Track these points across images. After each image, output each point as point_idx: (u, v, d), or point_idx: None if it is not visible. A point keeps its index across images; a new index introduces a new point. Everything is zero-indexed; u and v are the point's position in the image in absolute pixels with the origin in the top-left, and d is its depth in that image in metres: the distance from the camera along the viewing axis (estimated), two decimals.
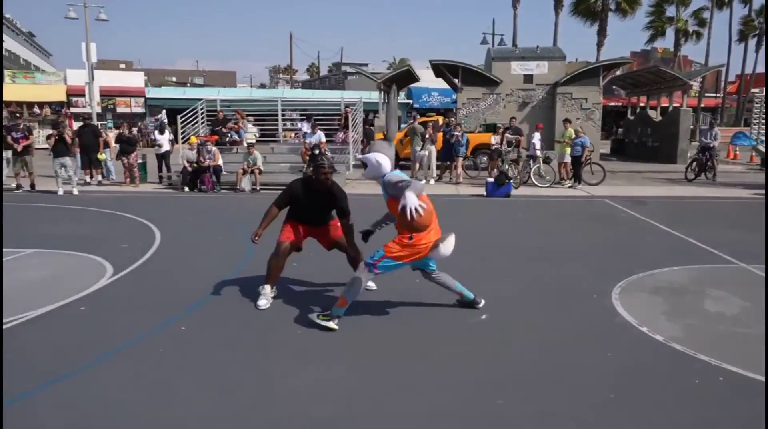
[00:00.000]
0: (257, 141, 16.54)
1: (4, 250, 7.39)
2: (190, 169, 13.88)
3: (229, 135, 15.85)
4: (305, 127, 16.28)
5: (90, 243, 7.80)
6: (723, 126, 37.40)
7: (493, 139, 15.15)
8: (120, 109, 32.79)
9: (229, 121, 16.64)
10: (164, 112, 34.65)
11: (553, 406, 3.41)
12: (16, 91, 30.99)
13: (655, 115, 26.05)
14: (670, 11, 38.57)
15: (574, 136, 14.22)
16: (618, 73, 27.34)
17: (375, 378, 3.80)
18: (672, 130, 23.07)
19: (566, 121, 15.30)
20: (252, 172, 13.78)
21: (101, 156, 15.24)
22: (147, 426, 3.19)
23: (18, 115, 25.55)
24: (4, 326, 4.64)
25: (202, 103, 16.74)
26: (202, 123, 16.55)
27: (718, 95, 45.93)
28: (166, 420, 3.25)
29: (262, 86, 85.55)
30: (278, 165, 15.10)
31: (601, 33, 33.99)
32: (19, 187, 13.85)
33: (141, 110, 33.43)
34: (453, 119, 16.94)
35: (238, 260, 6.94)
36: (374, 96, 32.09)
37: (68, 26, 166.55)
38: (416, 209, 4.36)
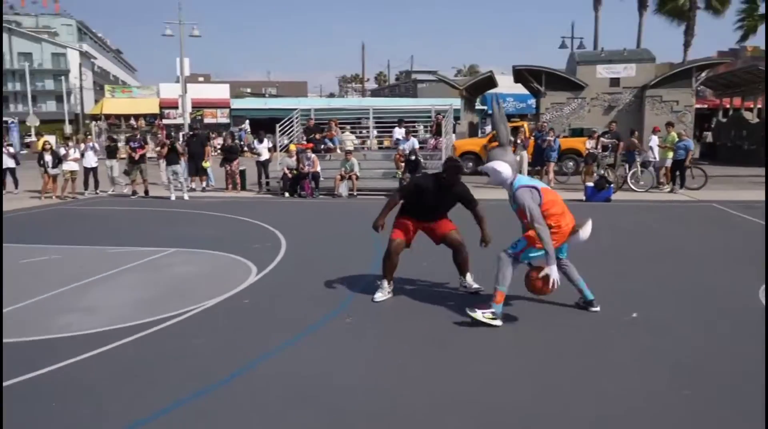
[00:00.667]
0: (339, 148, 17.09)
1: (147, 248, 8.10)
2: (290, 175, 14.52)
3: (323, 142, 16.42)
4: (398, 133, 16.66)
5: (222, 243, 8.38)
6: None
7: (588, 144, 14.98)
8: (207, 120, 34.54)
9: (322, 129, 17.25)
10: (247, 121, 36.28)
11: (743, 400, 3.48)
12: (115, 104, 33.33)
13: (751, 117, 24.90)
14: (763, 8, 36.61)
15: (677, 139, 13.88)
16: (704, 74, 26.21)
17: (545, 373, 3.97)
18: None
19: (669, 124, 14.94)
20: (349, 177, 14.24)
21: (206, 164, 16.17)
22: (352, 409, 3.50)
23: (135, 127, 27.34)
24: (188, 314, 5.13)
25: (297, 113, 17.41)
26: (298, 131, 17.22)
27: None
28: (370, 403, 3.55)
29: (332, 95, 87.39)
30: (372, 171, 15.51)
31: (689, 32, 32.78)
32: (134, 193, 14.90)
33: (226, 120, 35.08)
34: (545, 124, 16.86)
35: (367, 259, 7.26)
36: (450, 103, 32.30)
37: (149, 42, 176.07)
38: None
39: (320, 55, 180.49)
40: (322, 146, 16.39)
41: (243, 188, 16.13)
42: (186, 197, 14.25)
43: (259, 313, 5.21)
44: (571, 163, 19.43)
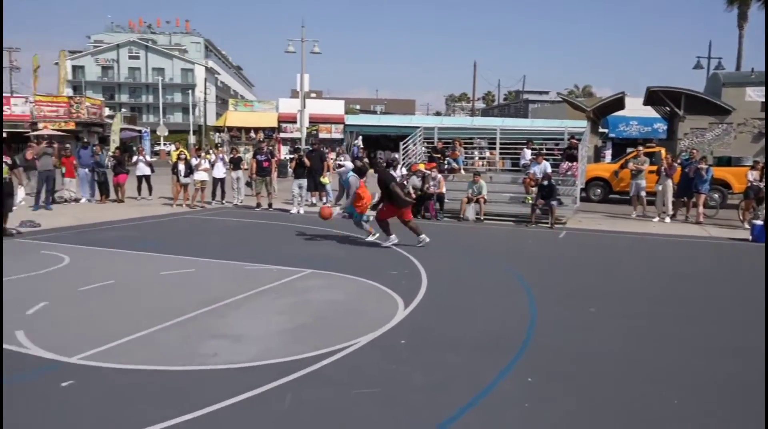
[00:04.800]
0: (464, 169, 16.34)
1: (281, 267, 7.75)
2: (414, 195, 13.95)
3: (447, 163, 15.79)
4: (527, 155, 15.70)
5: (356, 266, 7.88)
6: None
7: (750, 176, 13.23)
8: (322, 135, 35.11)
9: (446, 149, 16.62)
10: (360, 137, 36.56)
11: None
12: (238, 117, 34.81)
13: None
14: None
15: None
16: None
17: None
18: None
19: None
20: (477, 200, 13.45)
21: (324, 179, 16.01)
22: None
23: (261, 140, 28.31)
24: (341, 353, 4.57)
25: (420, 131, 16.92)
26: (420, 150, 16.72)
27: None
28: None
29: (438, 114, 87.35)
30: (499, 195, 14.62)
31: None
32: (258, 205, 15.00)
33: (340, 136, 35.52)
34: (695, 151, 15.19)
35: (519, 292, 6.48)
36: (565, 125, 30.83)
37: (266, 60, 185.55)
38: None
39: (427, 74, 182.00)
40: (446, 166, 15.74)
41: None
42: (302, 211, 14.17)
43: (421, 359, 4.55)
44: (716, 196, 17.43)
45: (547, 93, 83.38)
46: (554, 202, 12.58)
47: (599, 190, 19.77)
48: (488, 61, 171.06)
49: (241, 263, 8.03)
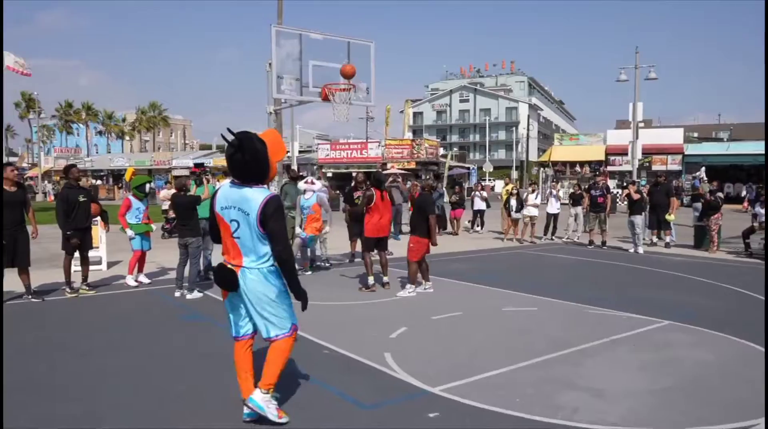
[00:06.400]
0: None
1: (632, 315, 7.00)
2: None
3: None
4: None
5: (725, 321, 6.63)
6: None
7: None
8: (655, 167, 32.08)
9: None
10: (703, 169, 32.21)
11: None
12: (562, 151, 34.37)
13: None
14: None
15: None
16: None
17: None
18: None
19: None
20: None
21: (670, 217, 14.34)
22: None
23: (597, 174, 27.49)
24: None
25: None
26: None
27: None
28: None
29: None
30: None
31: None
32: (591, 242, 14.24)
33: (677, 168, 31.92)
34: None
35: None
36: None
37: (586, 92, 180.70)
38: None
39: None
40: None
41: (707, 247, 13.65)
42: (640, 251, 12.92)
43: None
44: None
45: None
46: None
47: None
48: None
49: (583, 305, 7.53)
